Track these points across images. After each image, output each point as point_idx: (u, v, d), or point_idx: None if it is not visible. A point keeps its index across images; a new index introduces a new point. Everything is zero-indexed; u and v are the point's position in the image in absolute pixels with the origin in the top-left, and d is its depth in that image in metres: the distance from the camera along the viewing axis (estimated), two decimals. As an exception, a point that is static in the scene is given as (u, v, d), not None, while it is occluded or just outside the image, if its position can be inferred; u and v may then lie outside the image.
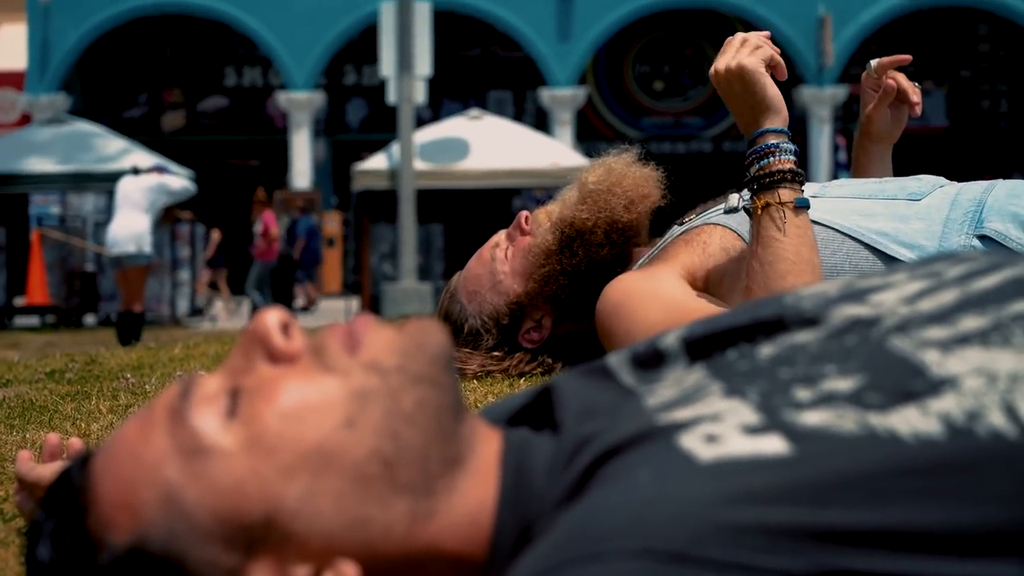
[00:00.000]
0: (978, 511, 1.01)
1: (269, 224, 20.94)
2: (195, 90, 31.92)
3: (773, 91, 2.63)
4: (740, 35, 2.71)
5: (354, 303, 21.72)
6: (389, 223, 21.80)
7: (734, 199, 2.86)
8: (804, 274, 2.49)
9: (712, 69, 2.69)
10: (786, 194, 2.55)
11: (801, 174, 2.59)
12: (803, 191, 2.58)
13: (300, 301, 23.02)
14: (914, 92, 3.12)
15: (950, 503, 1.02)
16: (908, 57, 3.12)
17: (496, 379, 3.00)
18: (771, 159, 2.58)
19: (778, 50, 2.71)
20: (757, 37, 2.70)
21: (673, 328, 1.34)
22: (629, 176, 3.03)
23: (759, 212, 2.56)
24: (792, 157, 2.59)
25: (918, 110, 3.13)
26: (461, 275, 3.15)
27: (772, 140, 2.59)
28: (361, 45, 29.42)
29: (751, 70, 2.63)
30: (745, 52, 2.66)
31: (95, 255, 19.83)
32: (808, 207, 2.57)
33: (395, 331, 1.23)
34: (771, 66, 2.66)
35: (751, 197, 2.59)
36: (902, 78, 3.14)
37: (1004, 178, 2.89)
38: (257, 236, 20.99)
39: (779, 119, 2.62)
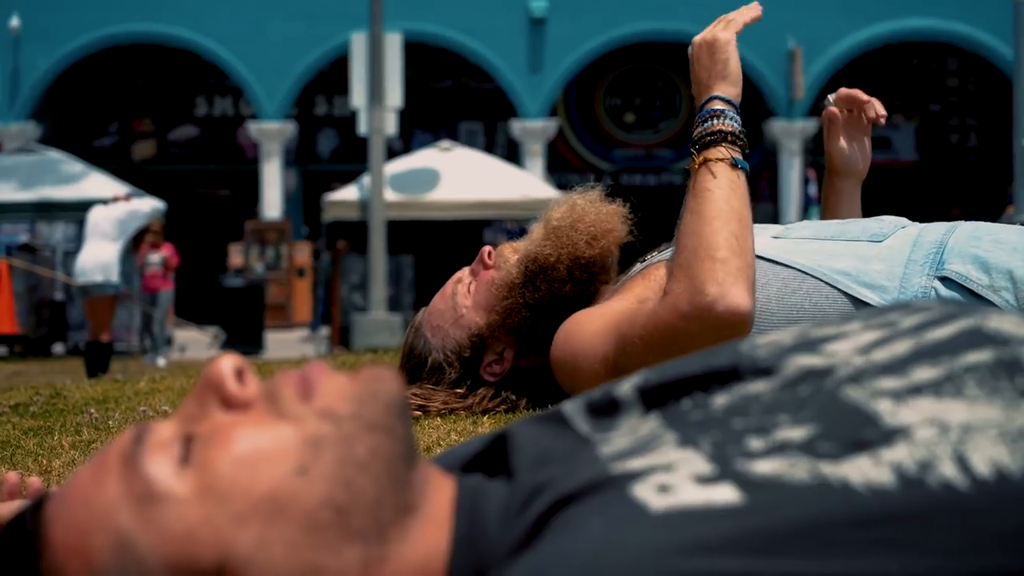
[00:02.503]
0: (929, 562, 1.02)
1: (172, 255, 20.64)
2: (166, 119, 31.90)
3: (735, 64, 2.78)
4: (726, 16, 2.85)
5: (324, 333, 21.69)
6: (359, 254, 21.80)
7: None
8: (731, 221, 2.57)
9: (691, 42, 2.83)
10: (722, 151, 2.65)
11: (743, 138, 2.70)
12: (743, 154, 2.68)
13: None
14: (873, 105, 3.22)
15: (901, 554, 1.02)
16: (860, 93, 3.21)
17: (459, 417, 3.00)
18: (715, 121, 2.69)
19: (759, 12, 2.87)
20: (739, 15, 2.85)
21: (625, 374, 1.34)
22: (592, 212, 3.05)
23: (696, 167, 2.65)
24: (737, 124, 2.70)
25: (881, 121, 3.21)
26: (425, 311, 3.16)
27: (719, 106, 2.71)
28: (332, 76, 29.46)
29: (723, 41, 2.77)
30: (720, 27, 2.81)
31: (64, 284, 19.78)
32: (747, 170, 2.67)
33: (349, 378, 1.23)
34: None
35: (693, 156, 2.69)
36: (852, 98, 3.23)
37: (972, 212, 2.94)
38: (154, 266, 20.52)
39: (733, 90, 2.75)
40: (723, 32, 2.79)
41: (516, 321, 3.01)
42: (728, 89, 2.74)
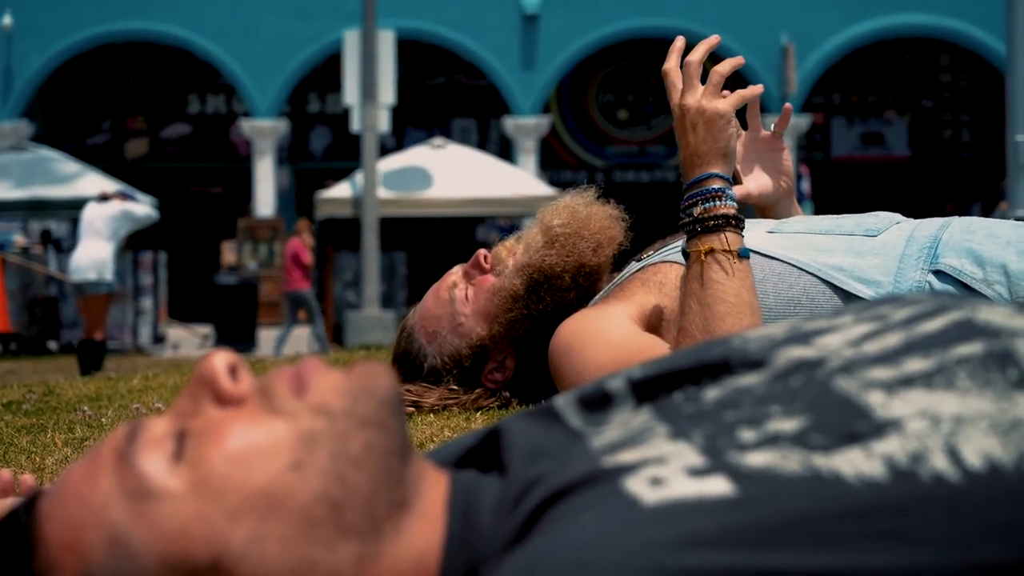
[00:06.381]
0: (920, 555, 1.02)
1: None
2: (158, 117, 31.84)
3: (734, 142, 2.62)
4: (695, 60, 2.65)
5: (317, 331, 21.67)
6: (352, 251, 21.79)
7: None
8: (744, 316, 2.48)
9: (678, 102, 2.64)
10: (733, 240, 2.54)
11: (743, 221, 2.59)
12: (742, 235, 2.58)
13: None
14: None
15: (892, 547, 1.02)
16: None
17: (453, 413, 2.99)
18: (717, 203, 2.55)
19: (739, 62, 2.69)
20: (721, 67, 2.65)
21: (620, 369, 1.34)
22: (595, 218, 3.00)
23: (703, 255, 2.53)
24: (735, 205, 2.58)
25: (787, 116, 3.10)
26: (416, 314, 3.11)
27: (718, 184, 2.57)
28: (325, 73, 29.42)
29: (725, 116, 2.61)
30: (713, 93, 2.62)
31: (57, 282, 19.76)
32: (749, 257, 2.56)
33: (343, 374, 1.23)
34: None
35: (692, 238, 2.57)
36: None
37: (966, 208, 2.91)
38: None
39: (728, 168, 2.60)
40: (723, 104, 2.61)
41: (519, 332, 2.99)
42: (726, 167, 2.59)
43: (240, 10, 28.80)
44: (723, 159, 2.60)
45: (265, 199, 28.62)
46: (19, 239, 20.80)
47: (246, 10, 28.80)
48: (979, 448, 1.08)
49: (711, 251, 2.53)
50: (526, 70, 29.19)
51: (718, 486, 1.07)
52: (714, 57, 2.61)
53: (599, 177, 30.56)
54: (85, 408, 3.72)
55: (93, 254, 14.47)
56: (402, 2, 27.53)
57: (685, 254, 2.60)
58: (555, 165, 30.75)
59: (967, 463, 1.07)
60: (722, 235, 2.54)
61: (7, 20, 28.23)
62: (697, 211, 2.57)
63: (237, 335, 19.99)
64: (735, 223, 2.56)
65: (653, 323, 2.75)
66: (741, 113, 2.99)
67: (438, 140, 22.16)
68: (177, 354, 19.52)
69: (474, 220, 25.74)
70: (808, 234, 2.83)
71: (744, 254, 2.55)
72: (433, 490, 1.23)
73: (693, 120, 2.61)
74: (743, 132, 3.09)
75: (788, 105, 3.12)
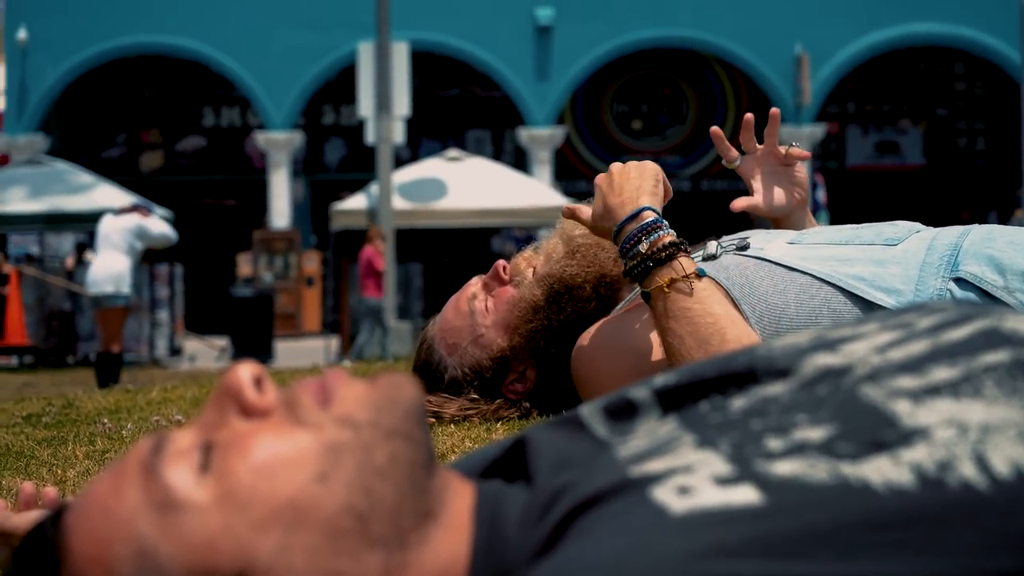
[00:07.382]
0: (947, 564, 1.02)
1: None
2: (173, 130, 31.91)
3: (669, 190, 2.70)
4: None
5: (333, 343, 21.69)
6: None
7: (712, 246, 2.85)
8: (727, 329, 2.48)
9: (609, 170, 2.74)
10: (688, 264, 2.53)
11: (687, 243, 2.58)
12: (694, 259, 2.59)
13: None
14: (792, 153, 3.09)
15: (920, 555, 1.02)
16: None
17: (474, 423, 2.99)
18: (661, 233, 2.55)
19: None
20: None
21: (645, 378, 1.34)
22: None
23: (666, 289, 2.51)
24: (673, 231, 2.58)
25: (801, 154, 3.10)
26: (436, 325, 3.10)
27: (653, 216, 2.58)
28: (339, 85, 29.46)
29: (657, 168, 2.71)
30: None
31: (71, 295, 19.80)
32: (706, 274, 2.56)
33: (368, 385, 1.23)
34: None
35: (647, 276, 2.55)
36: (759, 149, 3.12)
37: (981, 216, 2.88)
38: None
39: (658, 202, 2.64)
40: (653, 163, 2.72)
41: (540, 343, 2.98)
42: (655, 202, 2.63)
43: (254, 23, 28.86)
44: (652, 195, 2.63)
45: (280, 211, 28.67)
46: (69, 260, 20.90)
47: (260, 23, 28.86)
48: (1007, 456, 1.08)
49: (672, 282, 2.51)
50: (540, 81, 29.22)
51: (746, 495, 1.07)
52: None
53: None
54: (105, 420, 3.73)
55: (110, 267, 14.50)
56: (416, 14, 27.57)
57: (645, 295, 2.57)
58: (570, 175, 30.74)
59: (995, 471, 1.07)
60: (676, 263, 2.53)
61: (22, 34, 28.32)
62: (644, 247, 2.55)
63: (253, 347, 20.00)
64: (684, 247, 2.55)
65: None
66: (760, 127, 3.00)
67: (453, 151, 22.17)
68: (194, 366, 19.54)
69: (489, 231, 25.76)
70: (828, 245, 2.82)
71: (701, 273, 2.54)
72: (459, 500, 1.23)
73: (624, 172, 2.69)
74: (759, 146, 3.09)
75: (807, 154, 3.12)
